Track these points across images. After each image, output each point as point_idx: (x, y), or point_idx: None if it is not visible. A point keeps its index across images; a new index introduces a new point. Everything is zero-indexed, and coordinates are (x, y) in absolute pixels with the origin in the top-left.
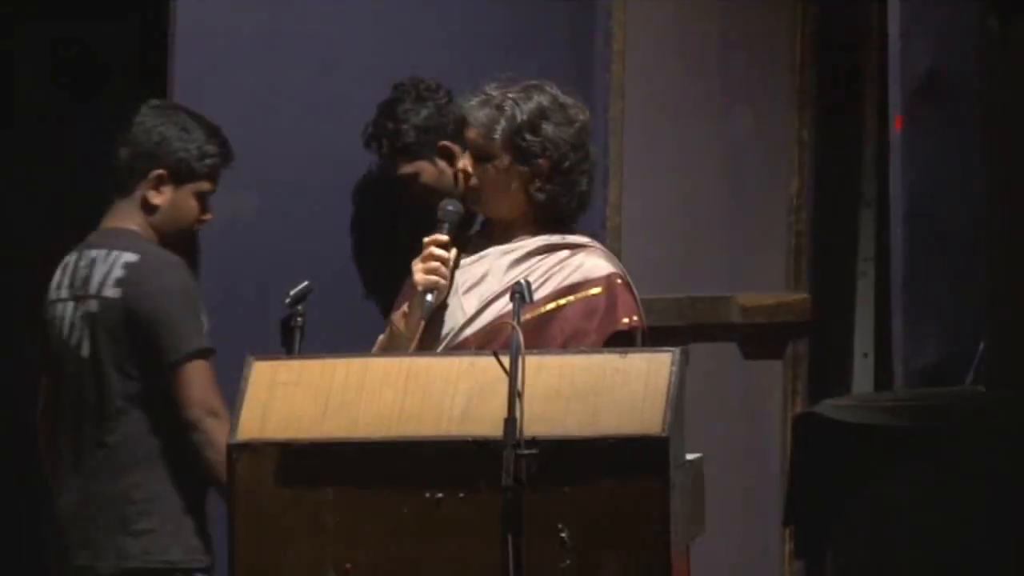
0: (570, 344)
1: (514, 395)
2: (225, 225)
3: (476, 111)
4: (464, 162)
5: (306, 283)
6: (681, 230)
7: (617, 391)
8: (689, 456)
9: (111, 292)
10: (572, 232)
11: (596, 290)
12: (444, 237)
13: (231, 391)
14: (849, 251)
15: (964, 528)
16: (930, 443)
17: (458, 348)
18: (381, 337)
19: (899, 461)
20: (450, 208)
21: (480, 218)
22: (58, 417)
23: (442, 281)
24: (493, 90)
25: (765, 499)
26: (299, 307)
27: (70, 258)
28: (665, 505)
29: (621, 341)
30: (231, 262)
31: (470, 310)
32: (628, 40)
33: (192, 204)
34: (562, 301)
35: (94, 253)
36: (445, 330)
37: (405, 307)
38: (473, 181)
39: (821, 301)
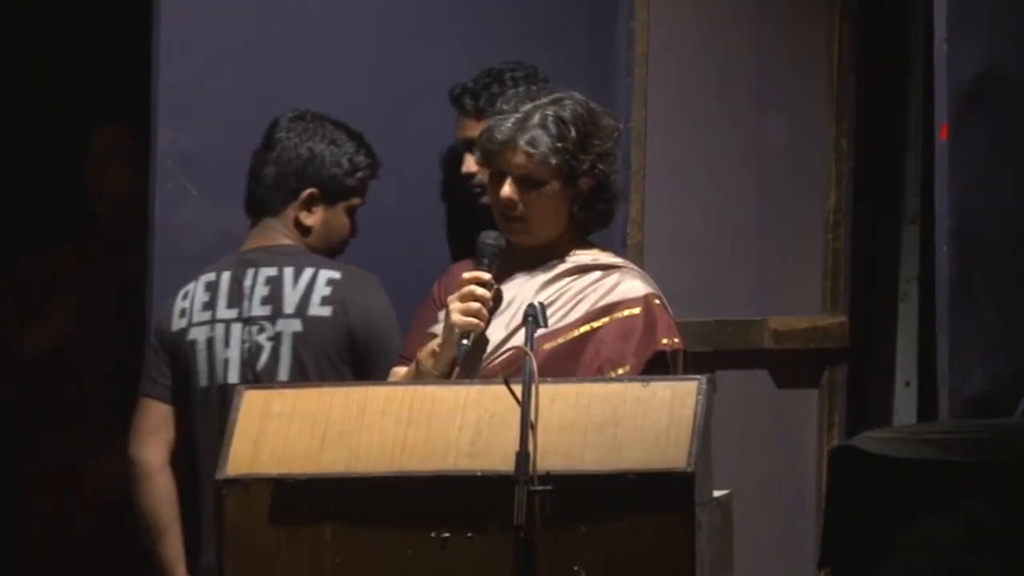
0: (606, 368)
1: (527, 426)
2: (213, 242)
3: (521, 132)
4: (509, 190)
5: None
6: (709, 248)
7: (639, 422)
8: (716, 493)
9: (319, 311)
10: (597, 247)
11: (633, 311)
12: (487, 276)
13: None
14: (890, 271)
15: (1015, 572)
16: (978, 479)
17: (485, 377)
18: (401, 371)
19: (945, 498)
20: (490, 242)
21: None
22: (206, 454)
23: (482, 325)
24: (523, 105)
25: (799, 539)
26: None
27: (216, 277)
28: (690, 546)
29: (661, 363)
30: None
31: (496, 338)
32: (652, 42)
33: (345, 221)
34: (597, 323)
35: (270, 271)
36: None
37: (434, 345)
38: (520, 210)
39: (860, 325)
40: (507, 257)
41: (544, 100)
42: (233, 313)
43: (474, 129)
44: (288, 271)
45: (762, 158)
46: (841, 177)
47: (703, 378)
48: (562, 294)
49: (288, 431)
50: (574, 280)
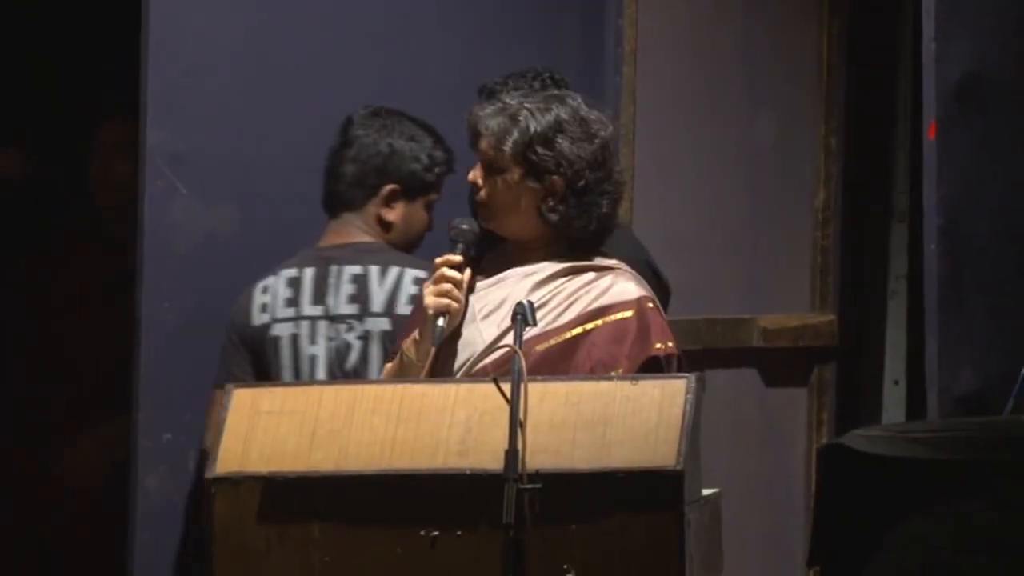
0: (598, 371)
1: (516, 425)
2: (202, 241)
3: (489, 119)
4: (474, 173)
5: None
6: (698, 246)
7: (628, 421)
8: (705, 491)
9: (406, 310)
10: (594, 251)
11: (626, 314)
12: (457, 258)
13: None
14: (880, 269)
15: (1007, 570)
16: (967, 477)
17: (476, 377)
18: (388, 365)
19: (934, 497)
20: (464, 227)
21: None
22: None
23: (455, 304)
24: (511, 99)
25: (788, 538)
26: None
27: (299, 273)
28: (679, 544)
29: (654, 368)
30: (210, 281)
31: (489, 337)
32: (641, 40)
33: (424, 216)
34: (589, 325)
35: (355, 269)
36: (462, 359)
37: (416, 334)
38: (481, 194)
39: (849, 323)
40: (500, 257)
41: (533, 98)
42: (318, 310)
43: None
44: (374, 269)
45: (751, 157)
46: (830, 176)
47: (692, 376)
48: (555, 295)
49: (278, 429)
50: (567, 281)
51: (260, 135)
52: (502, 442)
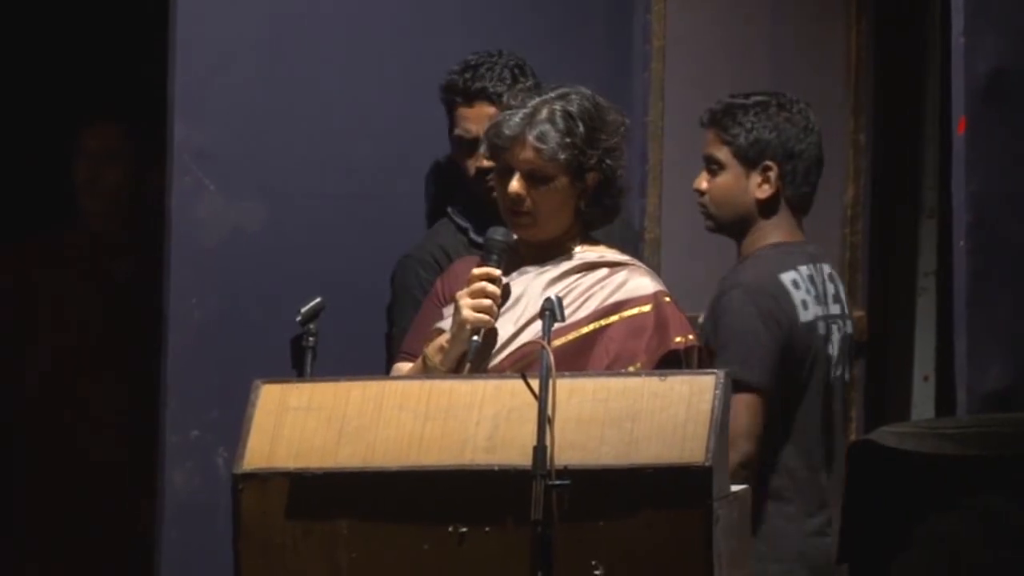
0: (616, 366)
1: (544, 421)
2: (229, 237)
3: (529, 128)
4: (517, 185)
5: (318, 299)
6: (726, 243)
7: (656, 417)
8: (734, 488)
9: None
10: (602, 244)
11: (644, 308)
12: (497, 272)
13: (237, 417)
14: (908, 265)
15: None
16: (999, 474)
17: (493, 373)
18: (400, 366)
19: (965, 494)
20: (499, 238)
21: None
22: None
23: (493, 321)
24: (530, 100)
25: None
26: (311, 326)
27: (811, 269)
28: (707, 541)
29: (675, 363)
30: (236, 276)
31: (505, 334)
32: (669, 36)
33: None
34: (605, 321)
35: (827, 268)
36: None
37: (443, 341)
38: (527, 205)
39: (878, 319)
40: (513, 253)
41: (551, 95)
42: (826, 309)
43: (470, 117)
44: (827, 268)
45: None
46: (859, 172)
47: (721, 372)
48: (570, 291)
49: (304, 426)
50: (582, 277)
51: (286, 130)
52: (530, 438)
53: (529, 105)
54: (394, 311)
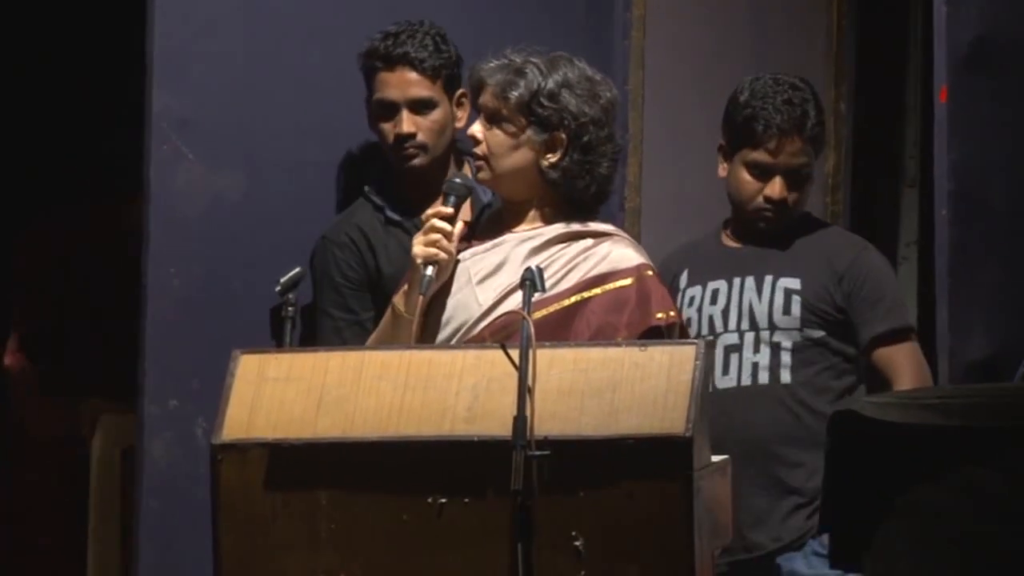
0: (597, 339)
1: (524, 391)
2: (209, 206)
3: (494, 73)
4: (475, 127)
5: (298, 269)
6: (707, 212)
7: (636, 387)
8: (715, 458)
9: None
10: (593, 220)
11: (625, 281)
12: (447, 210)
13: (216, 387)
14: (890, 235)
15: (1018, 537)
16: (979, 443)
17: (472, 343)
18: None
19: (945, 464)
20: (457, 180)
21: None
22: None
23: (443, 255)
24: (515, 56)
25: None
26: (290, 295)
27: None
28: (688, 511)
29: (654, 336)
30: (216, 246)
31: (486, 302)
32: (649, 5)
33: None
34: (587, 294)
35: None
36: (458, 323)
37: (405, 286)
38: (482, 148)
39: None
40: (495, 222)
41: (538, 56)
42: None
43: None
44: None
45: None
46: (840, 141)
47: (701, 342)
48: (552, 261)
49: (284, 396)
50: (564, 247)
51: (266, 99)
52: (510, 409)
53: (514, 58)
54: (314, 293)
